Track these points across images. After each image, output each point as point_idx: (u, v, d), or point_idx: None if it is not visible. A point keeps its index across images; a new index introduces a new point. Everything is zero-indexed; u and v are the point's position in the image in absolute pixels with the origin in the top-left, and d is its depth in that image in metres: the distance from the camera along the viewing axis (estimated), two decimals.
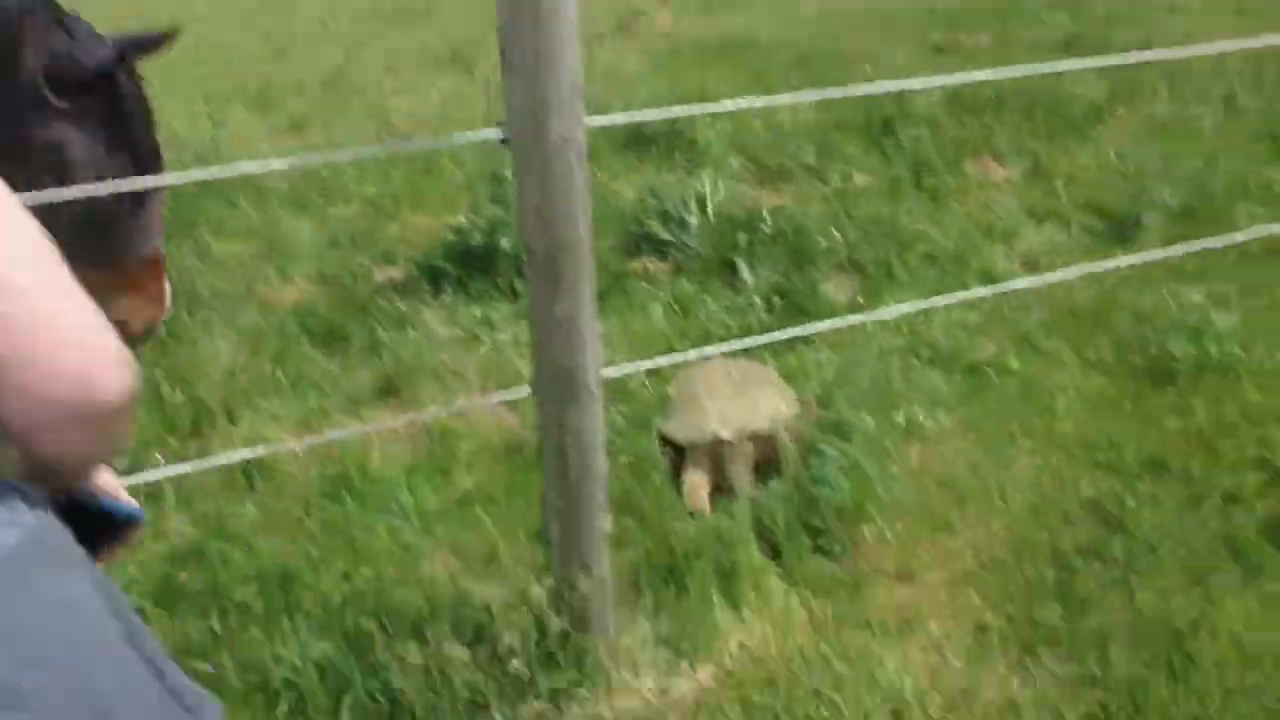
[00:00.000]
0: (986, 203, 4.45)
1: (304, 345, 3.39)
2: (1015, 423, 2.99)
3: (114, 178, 1.00)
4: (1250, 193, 4.40)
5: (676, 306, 3.63)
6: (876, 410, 2.95)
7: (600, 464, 1.94)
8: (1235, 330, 3.28)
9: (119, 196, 1.03)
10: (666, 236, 3.94)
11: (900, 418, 2.97)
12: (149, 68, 0.98)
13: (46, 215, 0.78)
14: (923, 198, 4.47)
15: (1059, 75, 5.97)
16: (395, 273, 3.90)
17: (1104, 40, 6.76)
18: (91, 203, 1.00)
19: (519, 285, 3.67)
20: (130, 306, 1.14)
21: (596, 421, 1.88)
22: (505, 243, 3.63)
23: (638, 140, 5.18)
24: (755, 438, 2.65)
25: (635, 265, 3.86)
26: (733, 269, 3.85)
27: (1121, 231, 4.10)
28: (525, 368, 3.26)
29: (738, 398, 2.71)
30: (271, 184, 4.70)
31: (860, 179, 4.74)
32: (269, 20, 9.65)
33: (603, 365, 1.86)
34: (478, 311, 3.58)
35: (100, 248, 1.06)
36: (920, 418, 2.99)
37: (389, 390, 3.17)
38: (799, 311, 3.56)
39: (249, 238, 4.31)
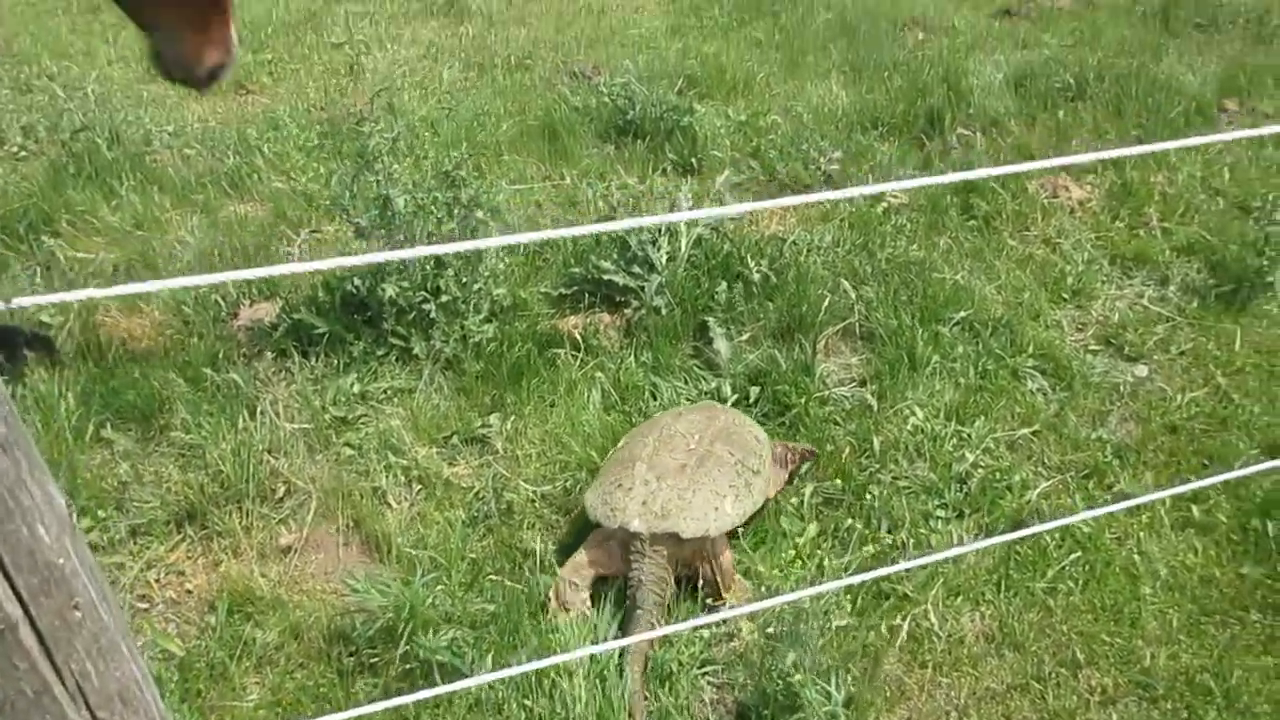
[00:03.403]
0: (1054, 238, 3.39)
1: (107, 429, 2.51)
2: (1074, 632, 2.03)
3: None
4: None
5: (620, 393, 2.68)
6: (859, 607, 2.01)
7: None
8: None
9: None
10: (623, 280, 2.97)
11: (900, 622, 2.02)
12: None
13: None
14: (970, 230, 3.42)
15: (1158, 56, 4.81)
16: (267, 311, 2.99)
17: (1212, 6, 5.52)
18: None
19: (417, 345, 2.75)
20: (195, 45, 1.67)
21: None
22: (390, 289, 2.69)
23: (622, 128, 4.17)
24: (677, 542, 2.04)
25: (571, 323, 2.91)
26: (705, 333, 2.88)
27: (1239, 294, 3.04)
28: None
29: (679, 477, 2.06)
30: (171, 166, 3.79)
31: (892, 196, 3.70)
32: None
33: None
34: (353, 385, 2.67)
35: None
36: (928, 620, 2.04)
37: (190, 516, 2.29)
38: (781, 408, 2.61)
39: (115, 243, 3.41)
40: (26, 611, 0.76)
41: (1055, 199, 3.63)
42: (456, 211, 2.78)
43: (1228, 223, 3.39)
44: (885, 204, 3.64)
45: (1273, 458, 2.39)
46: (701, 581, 2.10)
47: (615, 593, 2.09)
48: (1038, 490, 2.38)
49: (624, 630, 2.00)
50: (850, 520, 2.30)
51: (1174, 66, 4.66)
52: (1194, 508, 2.29)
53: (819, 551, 2.22)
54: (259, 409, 2.55)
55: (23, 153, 4.01)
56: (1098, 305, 3.07)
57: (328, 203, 2.83)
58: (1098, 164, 3.89)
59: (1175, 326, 2.96)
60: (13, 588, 0.75)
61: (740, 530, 2.23)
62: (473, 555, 2.23)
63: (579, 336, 2.82)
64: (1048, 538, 2.20)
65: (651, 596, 2.01)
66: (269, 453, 2.45)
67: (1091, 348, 2.91)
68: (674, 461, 2.12)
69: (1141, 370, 2.79)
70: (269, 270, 1.08)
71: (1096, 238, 3.40)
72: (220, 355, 2.73)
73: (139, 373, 2.63)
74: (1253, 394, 2.65)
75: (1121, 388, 2.73)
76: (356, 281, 2.74)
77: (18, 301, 0.95)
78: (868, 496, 2.34)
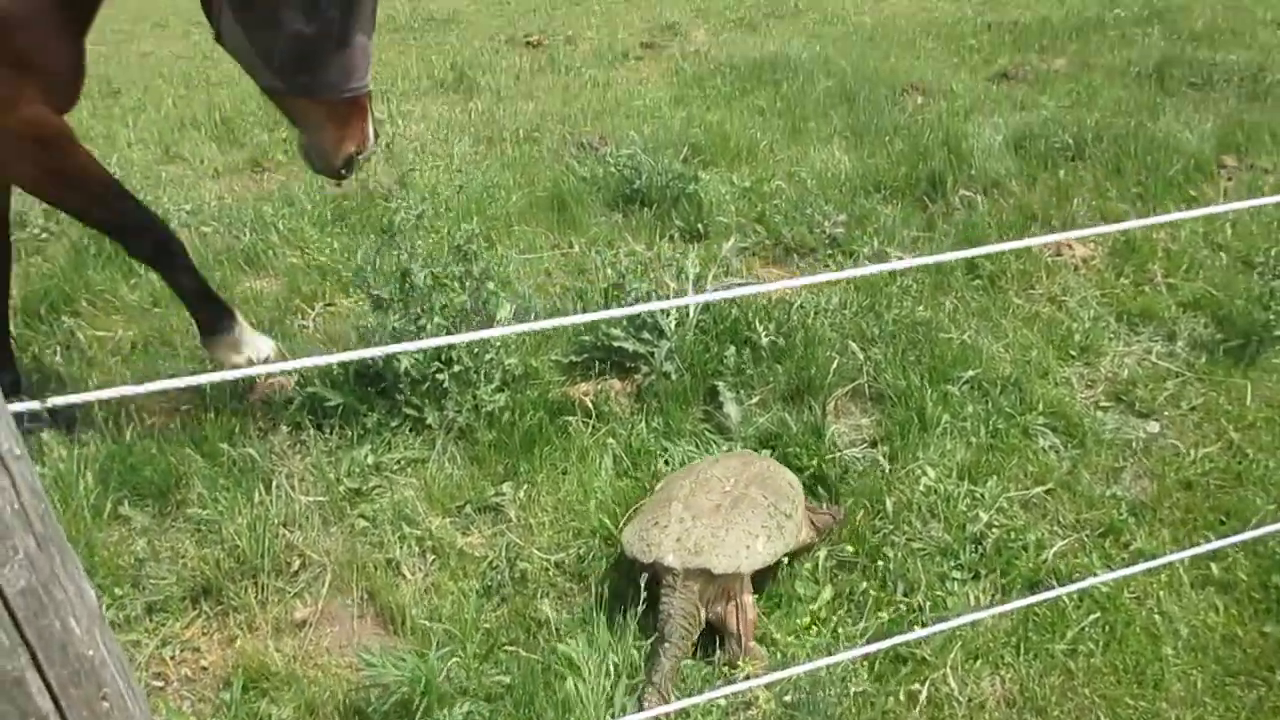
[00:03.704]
0: (1060, 296, 3.42)
1: (125, 507, 2.54)
2: (1097, 695, 2.00)
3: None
4: None
5: (632, 458, 2.69)
6: (877, 672, 1.99)
7: None
8: None
9: (326, 35, 2.01)
10: (633, 347, 3.00)
11: (919, 687, 2.00)
12: None
13: (267, 50, 1.98)
14: (976, 289, 3.46)
15: (1154, 115, 4.90)
16: (282, 384, 3.03)
17: (1205, 65, 5.63)
18: (301, 40, 2.02)
19: (430, 415, 2.78)
20: (334, 138, 2.35)
21: None
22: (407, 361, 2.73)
23: (629, 197, 4.25)
24: (709, 578, 2.09)
25: (582, 390, 2.93)
26: (715, 397, 2.90)
27: (1248, 349, 3.04)
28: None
29: (714, 516, 2.13)
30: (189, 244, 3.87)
31: (897, 256, 3.75)
32: None
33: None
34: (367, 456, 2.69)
35: (309, 82, 2.17)
36: (947, 685, 2.01)
37: (206, 592, 2.30)
38: (793, 471, 2.60)
39: (133, 320, 3.47)
40: (57, 704, 0.77)
41: (1059, 257, 3.66)
42: (469, 284, 2.83)
43: (1232, 278, 3.42)
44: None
45: None
46: (722, 635, 2.12)
47: (629, 665, 2.07)
48: (1054, 549, 2.36)
49: (650, 663, 2.04)
50: (865, 583, 2.29)
51: (1171, 125, 4.74)
52: (1213, 566, 2.27)
53: (834, 616, 2.21)
54: (274, 482, 2.57)
55: (45, 235, 4.12)
56: (1106, 362, 3.09)
57: (344, 276, 2.88)
58: (1101, 222, 3.95)
59: (1185, 382, 2.96)
60: (45, 681, 0.76)
61: (755, 594, 2.22)
62: (487, 625, 2.22)
63: (590, 404, 2.84)
64: (1066, 599, 2.18)
65: (680, 630, 2.05)
66: (284, 526, 2.46)
67: (1102, 404, 2.92)
68: (709, 502, 2.19)
69: (1153, 426, 2.79)
70: (314, 361, 1.12)
71: (1102, 295, 3.43)
72: (237, 429, 2.76)
73: (156, 449, 2.66)
74: (1267, 449, 2.64)
75: (1134, 444, 2.72)
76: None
77: (53, 401, 0.98)
78: (882, 559, 2.33)
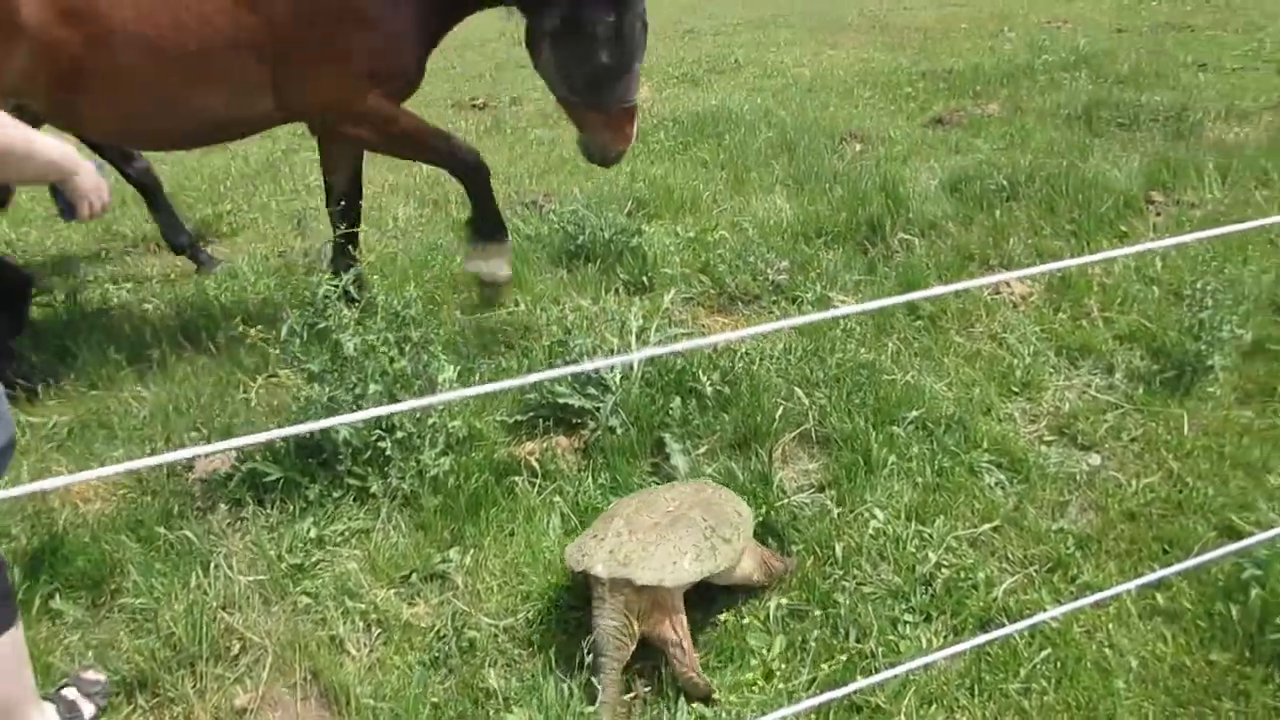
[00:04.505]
0: (1000, 333, 3.47)
1: (56, 600, 2.45)
2: None
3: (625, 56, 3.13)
4: None
5: (579, 516, 2.66)
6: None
7: None
8: None
9: (617, 69, 3.12)
10: (578, 402, 2.99)
11: None
12: None
13: (572, 76, 3.20)
14: (917, 330, 3.50)
15: (1085, 155, 5.05)
16: (222, 461, 2.96)
17: (1131, 106, 5.83)
18: (601, 69, 3.12)
19: (373, 483, 2.74)
20: (610, 139, 3.31)
21: None
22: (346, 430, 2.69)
23: (573, 252, 4.27)
24: (634, 590, 2.09)
25: (528, 449, 2.91)
26: (662, 449, 2.89)
27: (1182, 379, 3.10)
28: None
29: (649, 533, 2.15)
30: (128, 323, 3.82)
31: (840, 300, 3.79)
32: None
33: None
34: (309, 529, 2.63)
35: (599, 98, 3.20)
36: None
37: (142, 684, 2.21)
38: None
39: (69, 404, 3.39)
40: None
41: (998, 295, 3.73)
42: (408, 349, 2.81)
43: (1165, 310, 3.49)
44: (833, 309, 3.73)
45: (1230, 539, 2.41)
46: (666, 658, 2.12)
47: None
48: (1003, 587, 2.36)
49: (594, 682, 2.07)
50: (818, 631, 2.26)
51: (1100, 164, 4.88)
52: (1159, 596, 2.28)
53: (787, 667, 2.17)
54: (213, 563, 2.50)
55: None
56: (1048, 397, 3.13)
57: (279, 351, 2.84)
58: (1037, 260, 4.03)
59: (1124, 413, 3.01)
60: None
61: (704, 645, 2.18)
62: (434, 699, 2.16)
63: (536, 463, 2.81)
64: (1017, 636, 2.17)
65: (612, 642, 2.07)
66: (223, 609, 2.39)
67: (1045, 439, 2.94)
68: (649, 520, 2.22)
69: (1095, 459, 2.82)
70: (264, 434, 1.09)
71: (1041, 330, 3.49)
72: (174, 511, 2.69)
73: (90, 537, 2.59)
74: (1205, 477, 2.67)
75: (1078, 477, 2.75)
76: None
77: None
78: (833, 605, 2.31)
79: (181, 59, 3.05)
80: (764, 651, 2.21)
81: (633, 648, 2.11)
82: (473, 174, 3.55)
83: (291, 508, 2.71)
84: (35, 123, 3.04)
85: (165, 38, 3.01)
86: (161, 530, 2.61)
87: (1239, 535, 2.42)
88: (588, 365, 1.49)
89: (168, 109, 3.21)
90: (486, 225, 3.66)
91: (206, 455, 2.94)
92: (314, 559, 2.58)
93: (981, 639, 2.02)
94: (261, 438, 1.17)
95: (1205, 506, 2.56)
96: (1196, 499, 2.58)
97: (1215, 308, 3.14)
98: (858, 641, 2.23)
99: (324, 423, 1.31)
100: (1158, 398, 3.05)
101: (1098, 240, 4.11)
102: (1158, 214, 4.39)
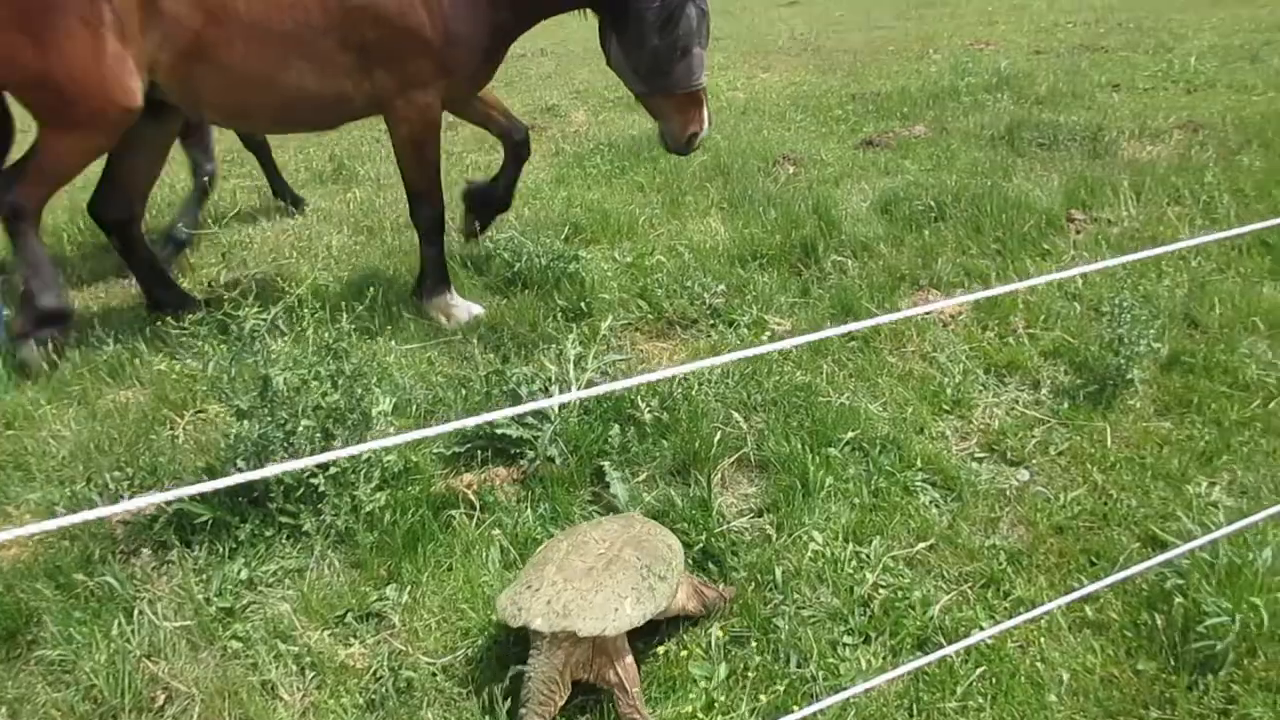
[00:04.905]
0: (930, 353, 3.55)
1: None
2: None
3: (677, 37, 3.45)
4: (1251, 324, 3.55)
5: (519, 549, 2.63)
6: None
7: None
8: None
9: (671, 51, 3.45)
10: (517, 433, 2.96)
11: None
12: None
13: (635, 62, 3.56)
14: (851, 350, 3.55)
15: (1008, 175, 5.20)
16: (147, 504, 2.86)
17: (1051, 127, 6.03)
18: (656, 51, 3.46)
19: (307, 521, 2.67)
20: (680, 121, 3.66)
21: None
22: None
23: (510, 279, 4.25)
24: (575, 641, 2.06)
25: (466, 481, 2.87)
26: (602, 478, 2.88)
27: (1104, 392, 3.20)
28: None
29: (585, 579, 2.10)
30: (46, 360, 3.67)
31: (776, 323, 3.83)
32: None
33: None
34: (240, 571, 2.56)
35: (662, 83, 3.56)
36: None
37: None
38: (683, 546, 2.59)
39: None
40: None
41: (928, 314, 3.81)
42: (341, 383, 2.76)
43: (1086, 325, 3.61)
44: (770, 332, 3.77)
45: (1152, 549, 2.48)
46: (611, 697, 2.10)
47: None
48: (939, 605, 2.39)
49: None
50: (759, 658, 2.27)
51: (1023, 184, 5.04)
52: (1087, 608, 2.33)
53: (729, 697, 2.17)
54: (136, 610, 2.42)
55: None
56: (978, 414, 3.20)
57: (207, 386, 2.77)
58: (965, 279, 4.13)
59: (1051, 428, 3.09)
60: None
61: (647, 677, 2.17)
62: None
63: (474, 496, 2.78)
64: (953, 655, 2.20)
65: (540, 694, 2.04)
66: (147, 657, 2.30)
67: (976, 455, 3.01)
68: (583, 565, 2.17)
69: (1024, 474, 2.89)
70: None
71: (970, 348, 3.57)
72: (95, 556, 2.59)
73: (3, 586, 2.48)
74: (1128, 488, 2.76)
75: (1008, 493, 2.81)
76: (240, 463, 2.67)
77: None
78: (774, 630, 2.32)
79: (279, 41, 3.50)
80: (705, 681, 2.21)
81: (563, 699, 2.08)
82: (433, 228, 3.99)
83: (221, 549, 2.64)
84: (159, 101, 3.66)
85: (267, 21, 3.46)
86: (81, 577, 2.52)
87: (1161, 545, 2.50)
88: (534, 405, 1.48)
89: (267, 88, 3.62)
90: (430, 281, 4.01)
91: (131, 496, 2.85)
92: (245, 601, 2.51)
93: (918, 662, 2.05)
94: (206, 487, 1.13)
95: (1129, 518, 2.63)
96: (1120, 510, 2.66)
97: (1133, 323, 3.25)
98: (798, 666, 2.24)
99: (270, 470, 1.28)
100: (1082, 412, 3.14)
101: (1021, 258, 4.23)
102: (1078, 231, 4.54)
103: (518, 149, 4.43)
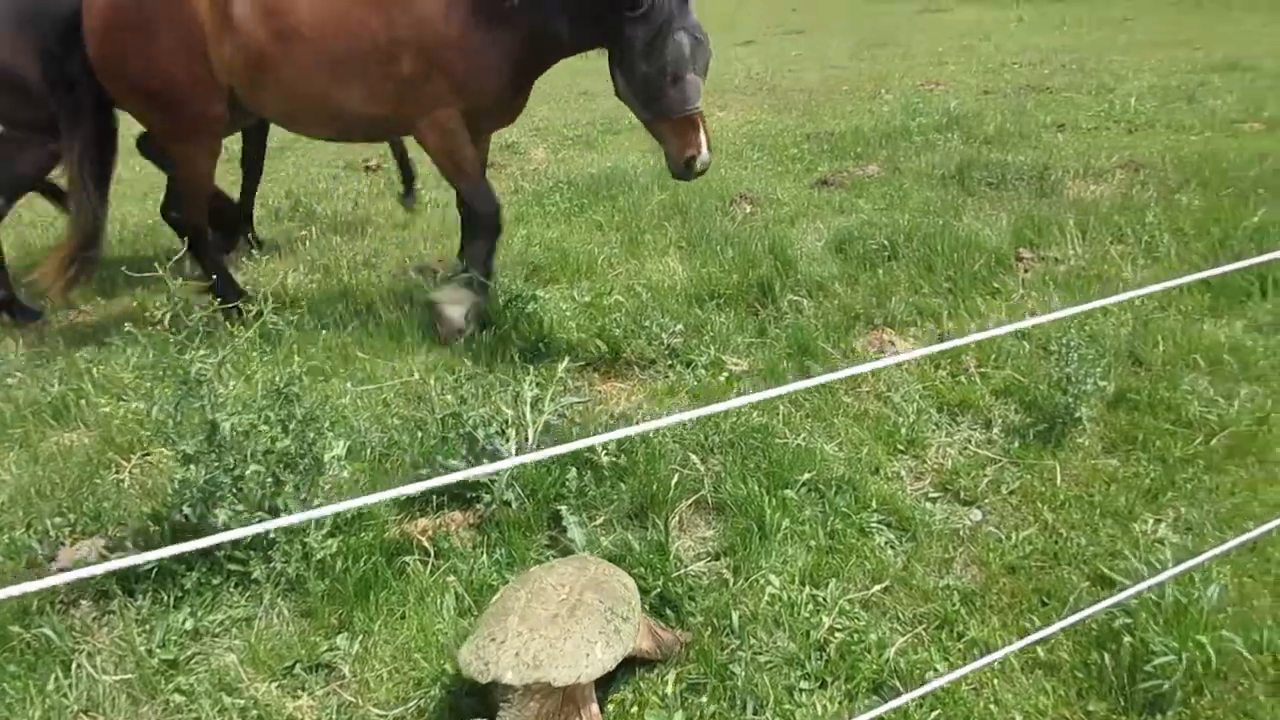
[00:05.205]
0: (885, 392, 3.59)
1: None
2: None
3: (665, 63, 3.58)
4: (1193, 360, 3.65)
5: (474, 595, 2.60)
6: None
7: None
8: (1226, 596, 2.39)
9: (660, 77, 3.58)
10: (473, 478, 2.93)
11: None
12: None
13: (632, 89, 3.68)
14: (808, 391, 3.58)
15: (958, 214, 5.31)
16: (89, 549, 2.79)
17: (999, 166, 6.18)
18: (647, 77, 3.60)
19: (256, 568, 2.61)
20: (677, 146, 3.73)
21: None
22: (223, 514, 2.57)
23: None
24: (549, 691, 2.03)
25: (420, 527, 2.84)
26: (559, 522, 2.86)
27: (1054, 431, 3.26)
28: None
29: (551, 627, 2.06)
30: None
31: (733, 364, 3.86)
32: None
33: None
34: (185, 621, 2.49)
35: (656, 108, 3.66)
36: None
37: None
38: (639, 592, 2.57)
39: None
40: None
41: (882, 354, 3.86)
42: (293, 427, 2.72)
43: (1035, 364, 3.68)
44: (727, 372, 3.79)
45: (1101, 588, 2.52)
46: None
47: None
48: (894, 647, 2.40)
49: None
50: (715, 705, 2.25)
51: (973, 223, 5.14)
52: (1039, 649, 2.36)
53: None
54: (74, 663, 2.34)
55: None
56: (931, 453, 3.23)
57: (152, 430, 2.71)
58: (918, 317, 4.20)
59: (1003, 467, 3.13)
60: None
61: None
62: None
63: (428, 542, 2.74)
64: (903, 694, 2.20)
65: None
66: (85, 713, 2.23)
67: (930, 495, 3.04)
68: (546, 613, 2.13)
69: (977, 514, 2.92)
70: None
71: (924, 388, 3.61)
72: (32, 607, 2.51)
73: None
74: (1077, 526, 2.80)
75: (961, 533, 2.84)
76: (186, 509, 2.61)
77: None
78: (730, 676, 2.31)
79: (332, 58, 3.85)
80: None
81: None
82: (488, 229, 4.19)
83: (165, 598, 2.57)
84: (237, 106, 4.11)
85: (323, 39, 3.81)
86: (16, 629, 2.43)
87: (1110, 584, 2.54)
88: (478, 471, 1.46)
89: (322, 100, 3.99)
90: (472, 272, 4.16)
91: (73, 544, 2.77)
92: (189, 653, 2.45)
93: (876, 711, 2.05)
94: (186, 548, 1.09)
95: (1078, 556, 2.67)
96: (1070, 549, 2.70)
97: (1080, 362, 3.32)
98: (755, 713, 2.22)
99: (252, 528, 1.25)
100: (1032, 450, 3.19)
101: (972, 297, 4.31)
102: (1026, 270, 4.64)
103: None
